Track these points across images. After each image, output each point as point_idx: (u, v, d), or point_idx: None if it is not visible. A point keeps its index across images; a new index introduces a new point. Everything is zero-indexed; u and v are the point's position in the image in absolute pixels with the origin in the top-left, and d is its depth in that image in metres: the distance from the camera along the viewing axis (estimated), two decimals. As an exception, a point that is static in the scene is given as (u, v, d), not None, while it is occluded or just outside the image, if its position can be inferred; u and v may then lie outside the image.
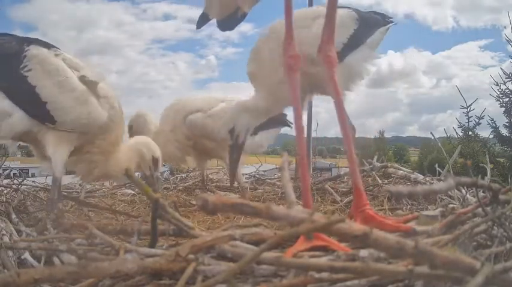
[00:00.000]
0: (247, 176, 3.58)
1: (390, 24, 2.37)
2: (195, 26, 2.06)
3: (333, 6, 1.41)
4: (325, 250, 1.10)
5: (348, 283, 0.87)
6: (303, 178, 1.37)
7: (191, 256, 0.92)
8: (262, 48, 2.24)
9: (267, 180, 3.38)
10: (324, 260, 0.94)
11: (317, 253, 1.09)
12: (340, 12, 2.11)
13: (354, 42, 2.15)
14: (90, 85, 2.01)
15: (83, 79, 2.00)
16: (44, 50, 1.98)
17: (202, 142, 2.81)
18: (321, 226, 0.77)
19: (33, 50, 1.95)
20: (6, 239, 1.37)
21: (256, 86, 2.29)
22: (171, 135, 2.78)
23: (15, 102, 1.92)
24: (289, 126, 3.06)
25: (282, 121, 3.02)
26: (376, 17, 2.35)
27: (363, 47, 2.19)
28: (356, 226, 0.78)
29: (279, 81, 2.17)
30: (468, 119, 5.34)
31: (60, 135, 1.98)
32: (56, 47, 2.04)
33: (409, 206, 2.01)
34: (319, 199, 2.57)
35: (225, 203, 0.75)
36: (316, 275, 0.87)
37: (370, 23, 2.25)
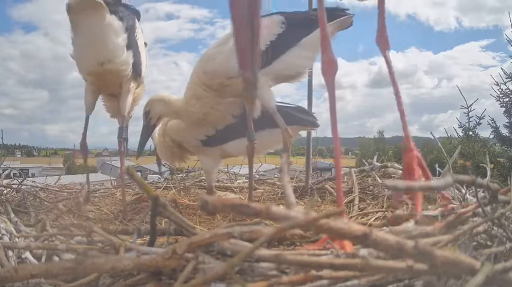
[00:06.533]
0: (247, 176, 3.58)
1: (339, 19, 2.26)
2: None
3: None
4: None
5: (348, 283, 0.87)
6: (337, 178, 1.46)
7: (189, 255, 0.92)
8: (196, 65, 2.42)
9: (267, 180, 3.37)
10: (324, 257, 0.94)
11: (317, 251, 1.10)
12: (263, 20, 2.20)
13: (279, 46, 2.17)
14: None
15: None
16: None
17: (182, 145, 2.86)
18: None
19: None
20: (6, 239, 1.37)
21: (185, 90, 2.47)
22: (162, 139, 2.87)
23: None
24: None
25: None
26: (312, 16, 2.24)
27: (295, 49, 2.22)
28: (355, 226, 0.78)
29: (192, 95, 2.39)
30: (468, 119, 5.35)
31: None
32: None
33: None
34: (319, 199, 2.57)
35: (224, 204, 0.75)
36: (316, 273, 0.86)
37: (303, 24, 2.25)
